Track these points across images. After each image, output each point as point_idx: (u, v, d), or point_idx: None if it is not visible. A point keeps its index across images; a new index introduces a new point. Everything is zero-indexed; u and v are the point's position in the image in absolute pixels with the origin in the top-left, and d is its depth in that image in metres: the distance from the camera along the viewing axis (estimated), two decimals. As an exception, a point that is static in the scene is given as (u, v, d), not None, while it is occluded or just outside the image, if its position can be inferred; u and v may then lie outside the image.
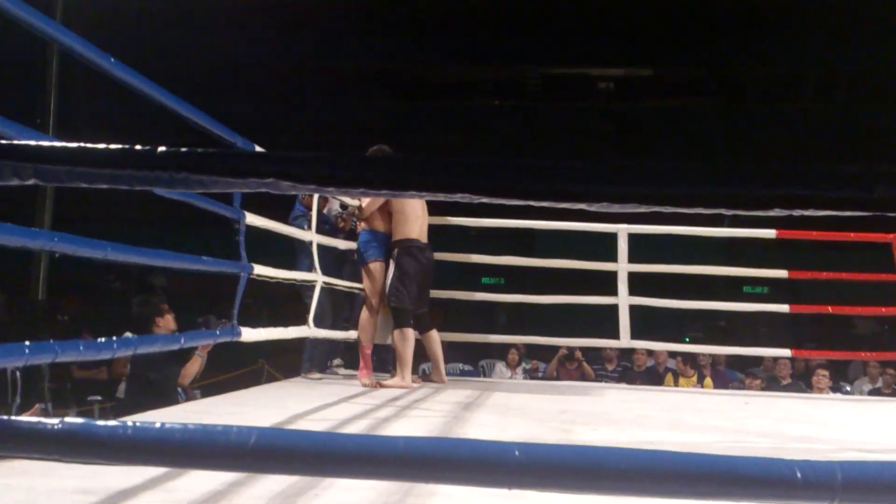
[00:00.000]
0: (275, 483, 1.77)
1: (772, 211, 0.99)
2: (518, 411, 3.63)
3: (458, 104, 18.46)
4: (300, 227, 4.54)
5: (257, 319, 10.72)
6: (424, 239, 4.43)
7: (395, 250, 4.36)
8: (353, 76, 17.49)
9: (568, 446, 1.02)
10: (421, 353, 6.87)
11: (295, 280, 4.23)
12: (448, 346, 5.23)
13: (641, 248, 5.59)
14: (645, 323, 7.75)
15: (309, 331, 4.31)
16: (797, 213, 0.99)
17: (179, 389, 5.00)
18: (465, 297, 5.60)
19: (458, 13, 16.56)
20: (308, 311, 4.22)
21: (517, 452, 0.99)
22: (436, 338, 4.67)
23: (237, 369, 8.06)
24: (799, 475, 0.97)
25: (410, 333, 4.29)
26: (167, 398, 4.62)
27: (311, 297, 4.28)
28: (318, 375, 4.75)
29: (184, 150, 0.96)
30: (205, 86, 15.95)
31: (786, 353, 5.43)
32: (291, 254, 4.81)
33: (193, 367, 4.89)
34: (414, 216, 4.35)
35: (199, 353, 4.88)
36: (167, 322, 4.97)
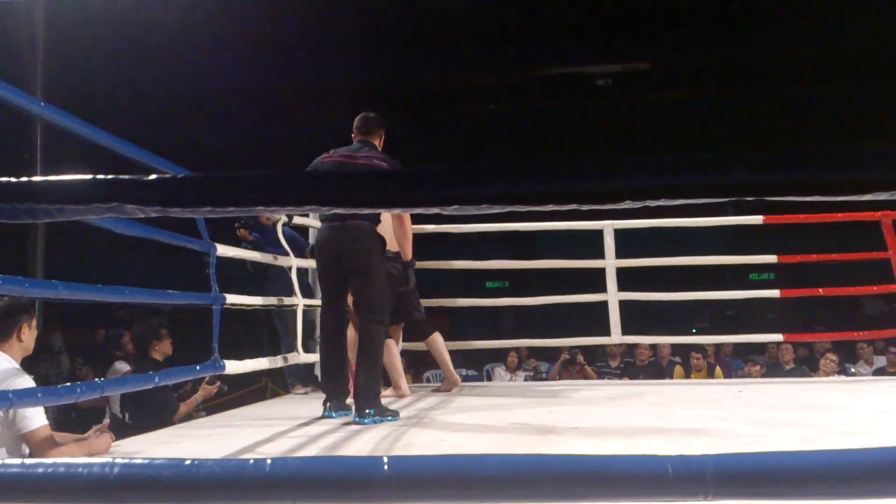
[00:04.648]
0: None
1: (623, 203, 0.96)
2: (503, 415, 3.60)
3: (458, 111, 18.46)
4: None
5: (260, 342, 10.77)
6: (393, 249, 4.37)
7: None
8: (350, 92, 17.55)
9: (437, 456, 0.99)
10: (427, 361, 6.86)
11: (272, 306, 4.25)
12: (453, 352, 5.25)
13: (650, 242, 5.57)
14: (652, 316, 7.70)
15: (297, 357, 4.32)
16: (650, 203, 0.97)
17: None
18: (450, 304, 5.59)
19: (451, 22, 16.57)
20: (279, 336, 4.25)
21: (386, 466, 0.98)
22: (439, 340, 4.67)
23: (243, 388, 8.14)
24: (671, 470, 0.95)
25: (391, 343, 4.27)
26: (168, 420, 4.70)
27: (286, 322, 4.30)
28: (303, 390, 4.75)
29: (23, 180, 0.96)
30: (201, 109, 16.10)
31: (778, 338, 5.36)
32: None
33: (189, 405, 4.98)
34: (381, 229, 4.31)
35: (197, 397, 5.01)
36: (164, 346, 5.06)
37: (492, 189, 0.98)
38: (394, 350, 4.35)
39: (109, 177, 0.98)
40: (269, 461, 0.98)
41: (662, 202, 0.97)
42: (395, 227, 3.95)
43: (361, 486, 0.97)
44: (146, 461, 0.98)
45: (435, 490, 0.98)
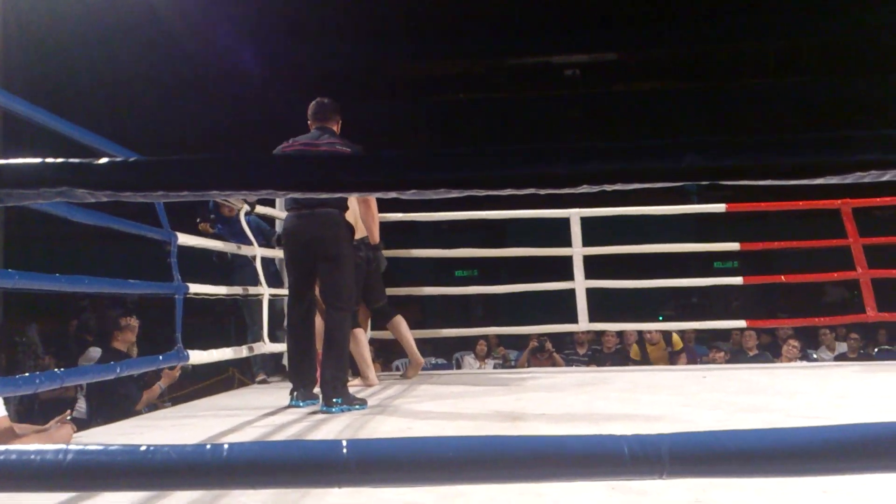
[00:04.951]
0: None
1: (580, 188, 0.97)
2: (471, 403, 3.62)
3: (426, 101, 18.40)
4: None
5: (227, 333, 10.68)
6: (358, 235, 4.33)
7: None
8: (317, 79, 17.40)
9: (396, 439, 0.99)
10: (396, 349, 6.87)
11: (237, 295, 4.21)
12: (422, 341, 5.27)
13: (617, 230, 5.61)
14: (619, 304, 7.76)
15: (263, 346, 4.28)
16: (607, 187, 0.98)
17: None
18: (419, 293, 5.60)
19: (420, 11, 16.50)
20: (247, 326, 4.21)
21: (345, 450, 0.97)
22: (402, 323, 4.69)
23: (209, 378, 8.08)
24: (626, 450, 0.96)
25: (359, 332, 4.26)
26: (130, 410, 4.64)
27: (252, 312, 4.26)
28: (263, 376, 4.75)
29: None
30: (176, 96, 15.87)
31: (741, 324, 5.45)
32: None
33: (152, 393, 4.93)
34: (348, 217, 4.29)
35: (160, 384, 4.96)
36: (126, 336, 5.00)
37: (450, 174, 0.98)
38: (362, 339, 4.34)
39: (59, 160, 0.96)
40: (226, 446, 0.97)
41: (619, 187, 0.98)
42: (361, 211, 3.95)
43: (320, 470, 0.96)
44: (101, 447, 0.97)
45: (394, 472, 0.98)
